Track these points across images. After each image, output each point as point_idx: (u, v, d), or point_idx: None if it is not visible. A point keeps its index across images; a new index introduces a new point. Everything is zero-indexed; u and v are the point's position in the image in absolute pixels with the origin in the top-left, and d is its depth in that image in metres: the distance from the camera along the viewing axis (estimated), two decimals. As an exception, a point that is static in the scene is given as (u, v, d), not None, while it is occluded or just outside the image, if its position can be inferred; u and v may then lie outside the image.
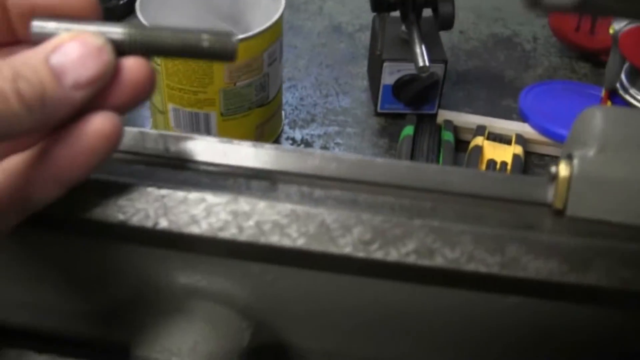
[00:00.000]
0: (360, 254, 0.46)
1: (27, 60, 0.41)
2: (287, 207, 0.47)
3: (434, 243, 0.47)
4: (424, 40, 1.04)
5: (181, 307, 0.51)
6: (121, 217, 0.47)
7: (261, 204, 0.47)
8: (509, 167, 1.05)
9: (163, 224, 0.47)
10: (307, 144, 1.12)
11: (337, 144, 1.13)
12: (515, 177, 0.52)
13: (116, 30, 0.44)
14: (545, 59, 1.33)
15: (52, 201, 0.45)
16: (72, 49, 0.42)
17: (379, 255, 0.46)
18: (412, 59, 1.07)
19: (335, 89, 1.23)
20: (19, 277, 0.54)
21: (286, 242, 0.47)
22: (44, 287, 0.54)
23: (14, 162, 0.45)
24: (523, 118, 1.16)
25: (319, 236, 0.47)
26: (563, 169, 0.48)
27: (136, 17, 1.00)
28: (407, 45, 1.11)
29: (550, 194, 0.49)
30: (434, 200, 0.49)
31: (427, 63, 1.01)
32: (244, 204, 0.47)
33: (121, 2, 1.35)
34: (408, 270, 0.47)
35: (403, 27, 1.12)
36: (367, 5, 1.34)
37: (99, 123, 0.43)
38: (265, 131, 1.08)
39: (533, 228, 0.48)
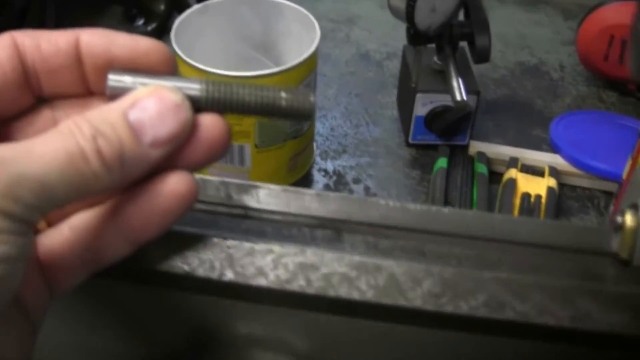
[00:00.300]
0: (430, 307, 0.46)
1: (106, 116, 0.40)
2: (354, 259, 0.46)
3: (504, 296, 0.46)
4: (460, 73, 1.03)
5: (242, 357, 0.50)
6: (186, 268, 0.47)
7: (328, 256, 0.47)
8: (543, 200, 1.04)
9: (229, 275, 0.46)
10: (340, 175, 1.11)
11: (370, 176, 1.11)
12: (578, 226, 0.51)
13: (193, 86, 0.43)
14: (573, 87, 1.32)
15: (122, 258, 0.44)
16: (151, 105, 0.41)
17: (449, 308, 0.46)
18: (446, 90, 1.05)
19: (365, 118, 1.22)
20: (78, 321, 0.53)
21: (355, 295, 0.46)
22: (102, 332, 0.53)
23: (83, 219, 0.44)
24: (554, 149, 1.15)
25: (389, 289, 0.46)
26: (629, 220, 0.47)
27: (165, 44, 0.98)
28: (440, 76, 1.10)
29: (615, 244, 0.48)
30: (500, 251, 0.49)
31: (464, 97, 1.00)
32: (311, 255, 0.46)
33: (149, 28, 1.32)
34: (478, 323, 0.46)
35: (435, 58, 1.10)
36: (394, 33, 1.35)
37: (174, 183, 0.42)
38: (299, 163, 1.07)
39: (600, 279, 0.48)
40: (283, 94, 0.44)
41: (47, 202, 0.38)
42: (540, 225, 0.51)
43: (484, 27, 1.06)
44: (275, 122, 0.99)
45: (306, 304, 0.47)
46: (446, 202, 1.04)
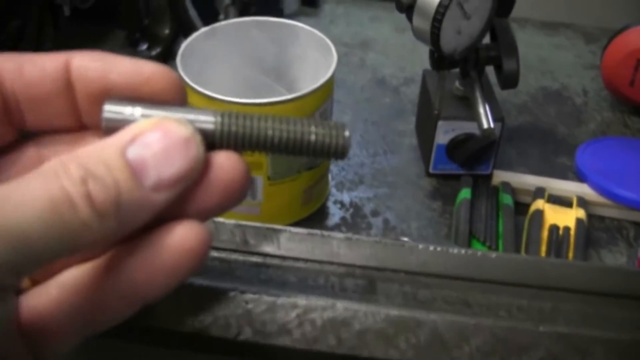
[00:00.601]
0: None
1: (99, 154, 0.34)
2: (391, 312, 0.41)
3: (563, 352, 0.41)
4: (487, 99, 0.98)
5: None
6: (198, 326, 0.41)
7: (361, 309, 0.41)
8: (572, 232, 0.99)
9: (247, 334, 0.41)
10: (357, 207, 1.06)
11: (389, 208, 1.06)
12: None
13: (206, 119, 0.37)
14: (597, 113, 1.27)
15: (122, 321, 0.38)
16: (154, 140, 0.35)
17: None
18: (469, 117, 1.01)
19: (382, 147, 1.17)
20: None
21: (394, 355, 0.40)
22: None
23: (74, 276, 0.37)
24: (581, 177, 1.10)
25: (432, 347, 0.41)
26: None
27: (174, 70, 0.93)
28: (462, 102, 1.05)
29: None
30: (555, 300, 0.43)
31: (492, 125, 0.95)
32: (341, 309, 0.41)
33: (153, 53, 1.27)
34: None
35: (457, 83, 1.05)
36: (411, 57, 1.30)
37: (182, 235, 0.36)
38: (313, 195, 1.01)
39: None
40: (313, 128, 0.38)
41: (28, 259, 0.32)
42: (599, 271, 0.45)
43: (512, 50, 1.01)
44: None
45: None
46: (471, 235, 0.98)
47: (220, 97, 0.87)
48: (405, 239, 1.01)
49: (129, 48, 1.29)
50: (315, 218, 1.05)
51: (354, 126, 1.22)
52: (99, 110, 0.37)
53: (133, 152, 0.34)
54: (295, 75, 1.06)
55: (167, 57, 1.28)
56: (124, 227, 0.34)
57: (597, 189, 1.08)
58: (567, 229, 1.00)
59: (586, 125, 1.26)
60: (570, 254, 0.96)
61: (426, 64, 1.04)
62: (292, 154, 0.38)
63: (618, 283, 0.45)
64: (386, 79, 1.35)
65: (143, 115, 0.36)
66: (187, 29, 1.19)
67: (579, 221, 1.01)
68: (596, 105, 1.31)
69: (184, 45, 0.96)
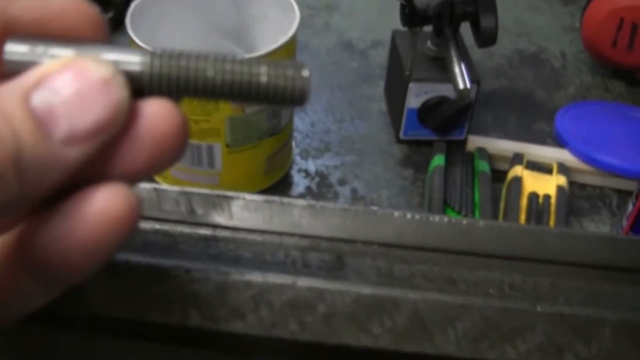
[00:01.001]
0: (467, 354, 0.35)
1: None
2: (363, 292, 0.35)
3: (562, 336, 0.36)
4: (462, 58, 0.92)
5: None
6: (135, 310, 0.35)
7: (328, 289, 0.35)
8: (552, 200, 0.94)
9: (194, 319, 0.35)
10: (323, 176, 1.00)
11: (357, 177, 1.01)
12: (653, 240, 0.40)
13: (131, 59, 0.30)
14: (577, 77, 1.23)
15: (40, 307, 0.31)
16: (65, 83, 0.28)
17: (491, 355, 0.36)
18: (443, 79, 0.95)
19: (349, 113, 1.11)
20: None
21: (366, 342, 0.35)
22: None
23: None
24: (561, 143, 1.06)
25: (411, 332, 0.35)
26: None
27: (125, 33, 0.86)
28: (435, 63, 1.00)
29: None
30: (554, 275, 0.38)
31: (468, 85, 0.89)
32: (304, 289, 0.35)
33: (108, 15, 1.21)
34: None
35: (429, 43, 1.00)
36: (379, 19, 1.25)
37: (105, 201, 0.29)
38: (276, 163, 0.96)
39: None
40: (264, 68, 0.31)
41: None
42: (600, 241, 0.40)
43: (490, 4, 0.96)
44: (249, 117, 0.87)
45: (299, 354, 0.36)
46: (445, 204, 0.93)
47: (174, 49, 0.80)
48: (375, 208, 0.95)
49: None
50: (278, 188, 1.00)
51: (320, 92, 1.17)
52: (1, 50, 0.30)
53: (38, 99, 0.28)
54: (255, 36, 1.00)
55: (121, 21, 1.22)
56: (29, 190, 0.27)
57: (578, 155, 1.04)
58: (547, 197, 0.95)
59: (565, 90, 1.22)
60: (552, 223, 0.92)
61: (395, 26, 0.99)
62: (239, 100, 0.31)
63: (623, 254, 0.40)
64: (353, 42, 1.29)
65: (53, 55, 0.30)
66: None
67: (559, 189, 0.96)
68: (575, 68, 1.27)
69: (134, 4, 0.90)
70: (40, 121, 0.27)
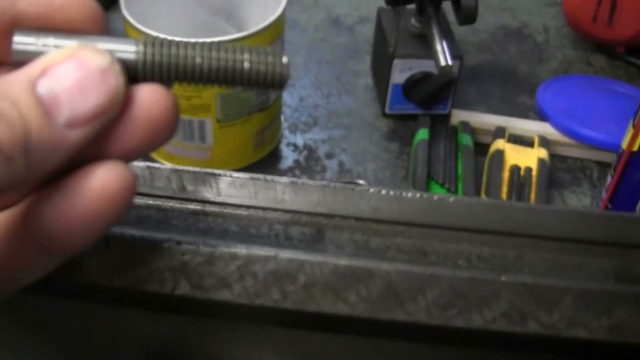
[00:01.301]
0: (436, 321, 0.37)
1: (5, 89, 0.30)
2: (340, 263, 0.38)
3: (525, 305, 0.38)
4: (444, 36, 0.94)
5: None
6: (130, 280, 0.37)
7: (308, 260, 0.38)
8: (534, 173, 0.96)
9: (184, 288, 0.37)
10: (311, 150, 1.02)
11: (344, 150, 1.02)
12: (611, 214, 0.42)
13: (126, 48, 0.33)
14: (559, 51, 1.24)
15: (44, 275, 0.34)
16: (67, 72, 0.31)
17: (459, 322, 0.38)
18: (426, 55, 0.97)
19: (337, 88, 1.13)
20: (3, 345, 0.44)
21: (343, 309, 0.37)
22: (36, 354, 0.44)
23: None
24: (542, 117, 1.07)
25: (384, 300, 0.38)
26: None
27: (118, 11, 0.88)
28: (418, 40, 1.01)
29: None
30: (518, 247, 0.40)
31: (449, 62, 0.91)
32: (286, 260, 0.37)
33: (100, -6, 1.22)
34: (495, 338, 0.38)
35: (413, 20, 1.02)
36: (366, -5, 1.26)
37: (102, 178, 0.32)
38: (265, 138, 0.98)
39: None
40: (246, 55, 0.34)
41: None
42: (567, 215, 0.42)
43: (470, -17, 0.97)
44: (239, 94, 0.89)
45: (281, 321, 0.39)
46: (429, 177, 0.95)
47: (166, 38, 0.82)
48: (361, 181, 0.97)
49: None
50: (268, 161, 1.01)
51: (308, 67, 1.18)
52: (8, 42, 0.33)
53: (43, 86, 0.30)
54: (245, 15, 1.02)
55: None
56: (35, 170, 0.30)
57: (559, 128, 1.06)
58: (528, 169, 0.97)
59: (547, 64, 1.23)
60: (533, 196, 0.94)
61: (381, 2, 1.01)
62: (225, 84, 0.34)
63: (587, 228, 0.42)
64: (340, 18, 1.31)
65: (56, 46, 0.32)
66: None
67: (541, 161, 0.98)
68: (558, 43, 1.28)
69: (128, -17, 0.92)
70: (46, 107, 0.30)
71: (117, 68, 0.32)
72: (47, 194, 0.32)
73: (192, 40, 0.34)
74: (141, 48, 0.33)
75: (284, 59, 0.34)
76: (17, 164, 0.29)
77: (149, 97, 0.32)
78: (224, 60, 0.34)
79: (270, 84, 0.35)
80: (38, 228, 0.32)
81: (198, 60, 0.33)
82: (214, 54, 0.33)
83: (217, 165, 0.96)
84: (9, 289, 0.34)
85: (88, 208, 0.32)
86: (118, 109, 0.32)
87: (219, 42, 0.34)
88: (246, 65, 0.34)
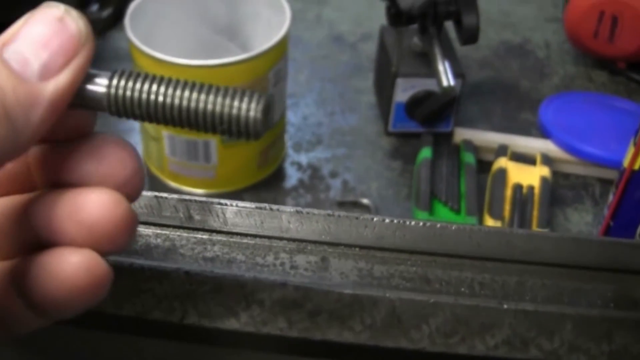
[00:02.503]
0: (440, 349, 0.38)
1: None
2: (345, 292, 0.38)
3: (527, 331, 0.38)
4: (446, 55, 0.95)
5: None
6: (139, 309, 0.38)
7: (314, 289, 0.38)
8: (536, 191, 0.97)
9: (192, 317, 0.38)
10: (315, 169, 1.03)
11: (347, 169, 1.03)
12: (613, 240, 0.43)
13: (99, 80, 0.33)
14: (561, 67, 1.25)
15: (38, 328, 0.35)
16: (27, 31, 0.32)
17: (462, 349, 0.38)
18: (428, 74, 0.98)
19: (340, 105, 1.14)
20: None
21: (348, 338, 0.38)
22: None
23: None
24: (545, 134, 1.08)
25: (388, 328, 0.38)
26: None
27: (122, 30, 0.89)
28: (421, 58, 1.02)
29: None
30: (521, 274, 0.41)
31: (452, 82, 0.92)
32: (291, 289, 0.38)
33: (104, 14, 1.23)
34: None
35: (416, 39, 1.02)
36: (369, 12, 1.27)
37: (73, 268, 0.33)
38: (269, 157, 0.98)
39: None
40: (218, 99, 0.31)
41: None
42: (566, 241, 0.43)
43: (472, 4, 0.98)
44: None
45: (288, 349, 0.39)
46: (432, 196, 0.96)
47: (170, 59, 0.83)
48: (365, 201, 0.98)
49: (80, 9, 1.24)
50: (272, 180, 1.02)
51: (311, 85, 1.19)
52: None
53: (8, 51, 0.31)
54: (248, 34, 1.02)
55: (119, 18, 1.24)
56: (21, 130, 0.31)
57: (561, 145, 1.06)
58: (531, 187, 0.98)
59: (549, 80, 1.23)
60: (535, 213, 0.94)
61: (384, 19, 1.01)
62: (192, 128, 0.32)
63: (586, 254, 0.43)
64: (343, 35, 1.31)
65: None
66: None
67: (543, 179, 0.99)
68: (559, 58, 1.28)
69: (133, 4, 0.93)
70: (14, 67, 0.31)
71: (74, 14, 0.33)
72: (30, 263, 0.33)
73: (174, 78, 0.33)
74: (113, 82, 0.33)
75: (260, 106, 0.31)
76: (3, 128, 0.30)
77: (97, 201, 0.33)
78: (186, 100, 0.32)
79: (243, 133, 0.32)
80: (26, 290, 0.33)
81: (160, 98, 0.32)
82: (177, 92, 0.32)
83: (222, 184, 0.97)
84: (2, 337, 0.35)
85: (60, 288, 0.33)
86: (87, 52, 0.33)
87: (195, 82, 0.32)
88: (214, 108, 0.31)
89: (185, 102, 0.31)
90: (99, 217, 0.32)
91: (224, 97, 0.31)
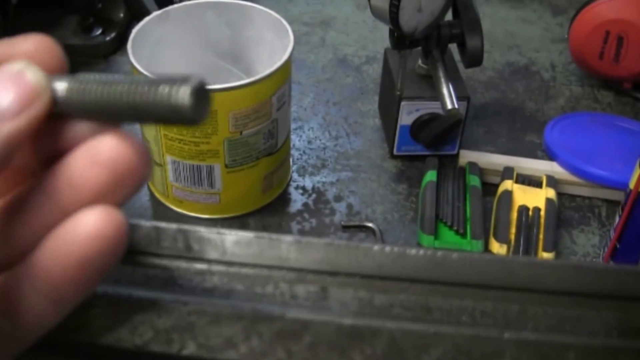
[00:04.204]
0: None
1: None
2: (345, 322, 0.38)
3: None
4: (450, 78, 0.94)
5: None
6: (137, 342, 0.38)
7: (313, 320, 0.38)
8: (542, 213, 0.96)
9: (190, 349, 0.37)
10: (319, 193, 1.02)
11: (352, 192, 1.03)
12: (616, 267, 0.42)
13: (59, 84, 0.35)
14: (566, 88, 1.25)
15: (52, 326, 0.36)
16: None
17: None
18: (433, 97, 0.98)
19: (345, 129, 1.14)
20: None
21: (348, 369, 0.37)
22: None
23: None
24: (550, 156, 1.08)
25: (389, 359, 0.37)
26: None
27: (125, 54, 0.89)
28: (426, 81, 1.02)
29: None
30: (522, 302, 0.40)
31: (456, 105, 0.92)
32: (291, 320, 0.38)
33: (107, 38, 1.23)
34: None
35: (420, 62, 1.02)
36: (373, 35, 1.27)
37: (90, 220, 0.34)
38: (274, 181, 0.98)
39: None
40: (145, 88, 0.32)
41: None
42: (567, 268, 0.42)
43: (475, 27, 0.97)
44: (247, 138, 0.90)
45: (287, 380, 0.39)
46: (437, 219, 0.95)
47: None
48: (370, 224, 0.98)
49: (82, 34, 1.25)
50: (276, 205, 1.02)
51: (316, 108, 1.19)
52: None
53: None
54: (252, 58, 1.02)
55: (122, 41, 1.24)
56: None
57: (566, 167, 1.06)
58: (537, 209, 0.97)
59: (555, 101, 1.23)
60: (541, 236, 0.94)
61: (388, 42, 1.01)
62: (129, 119, 0.34)
63: (588, 281, 0.42)
64: (348, 58, 1.31)
65: None
66: (140, 13, 1.15)
67: (549, 201, 0.99)
68: (565, 79, 1.28)
69: (136, 29, 0.93)
70: None
71: (34, 68, 0.34)
72: (44, 239, 0.34)
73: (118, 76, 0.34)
74: (65, 85, 0.34)
75: (187, 89, 0.31)
76: None
77: (111, 142, 0.34)
78: (119, 94, 0.33)
79: (175, 118, 0.32)
80: (36, 271, 0.34)
81: (101, 95, 0.34)
82: (112, 88, 0.33)
83: (227, 210, 0.97)
84: (19, 338, 0.35)
85: (78, 248, 0.33)
86: (44, 100, 0.34)
87: (134, 78, 0.33)
88: (147, 97, 0.32)
89: (118, 97, 0.33)
90: (118, 151, 0.34)
91: (150, 85, 0.32)
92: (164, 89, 0.31)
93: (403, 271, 0.41)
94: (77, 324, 0.38)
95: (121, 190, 0.34)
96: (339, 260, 0.41)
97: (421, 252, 0.41)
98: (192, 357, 0.38)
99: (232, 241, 0.41)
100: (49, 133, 0.35)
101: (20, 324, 0.35)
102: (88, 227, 0.33)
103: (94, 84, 0.34)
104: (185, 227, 0.42)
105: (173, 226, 0.42)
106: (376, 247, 0.41)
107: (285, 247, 0.41)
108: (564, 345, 0.38)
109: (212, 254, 0.41)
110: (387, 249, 0.41)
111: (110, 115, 0.34)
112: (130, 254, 0.41)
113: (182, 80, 0.32)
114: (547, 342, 0.38)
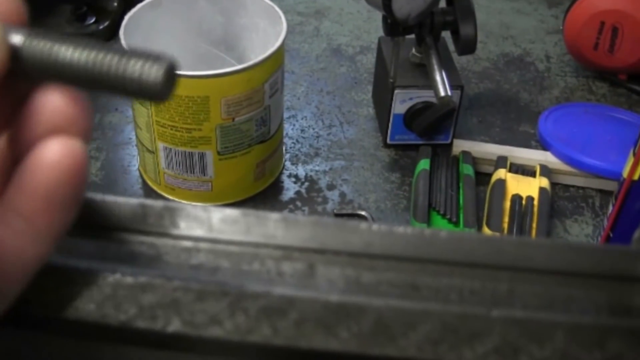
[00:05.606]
0: (428, 357, 0.37)
1: None
2: (332, 299, 0.37)
3: (517, 339, 0.38)
4: (443, 67, 0.94)
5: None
6: (122, 317, 0.37)
7: (299, 296, 0.37)
8: (535, 202, 0.96)
9: (175, 325, 0.37)
10: (312, 181, 1.02)
11: (345, 181, 1.02)
12: (605, 247, 0.42)
13: (14, 37, 0.34)
14: (561, 79, 1.24)
15: (34, 266, 0.36)
16: None
17: (451, 357, 0.37)
18: (427, 85, 0.97)
19: (338, 118, 1.13)
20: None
21: (334, 345, 0.37)
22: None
23: None
24: (544, 145, 1.07)
25: (375, 336, 0.37)
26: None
27: (119, 42, 0.89)
28: (419, 69, 1.01)
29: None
30: (510, 281, 0.40)
31: (449, 93, 0.91)
32: (277, 297, 0.37)
33: (101, 27, 1.23)
34: None
35: (414, 50, 1.02)
36: (367, 25, 1.27)
37: (49, 151, 0.34)
38: (266, 169, 0.98)
39: (635, 312, 0.40)
40: (115, 59, 0.32)
41: None
42: (557, 248, 0.42)
43: (469, 14, 0.97)
44: (239, 125, 0.89)
45: (273, 357, 0.38)
46: (430, 207, 0.95)
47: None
48: (363, 212, 0.97)
49: (76, 23, 1.25)
50: (269, 193, 1.02)
51: (309, 97, 1.18)
52: None
53: None
54: (245, 45, 1.02)
55: (115, 30, 1.24)
56: None
57: (560, 157, 1.05)
58: (530, 199, 0.97)
59: (549, 92, 1.23)
60: (534, 225, 0.94)
61: (382, 31, 1.00)
62: (93, 88, 0.33)
63: (578, 260, 0.42)
64: (342, 47, 1.31)
65: None
66: (133, 2, 1.15)
67: (542, 190, 0.98)
68: (559, 70, 1.28)
69: (128, 16, 0.93)
70: None
71: None
72: (13, 174, 0.34)
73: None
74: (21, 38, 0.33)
75: (161, 67, 0.31)
76: None
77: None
78: (96, 62, 0.32)
79: (144, 93, 0.32)
80: (10, 203, 0.34)
81: (62, 57, 0.33)
82: (84, 54, 0.32)
83: (219, 197, 0.96)
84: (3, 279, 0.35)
85: (45, 181, 0.34)
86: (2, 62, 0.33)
87: (99, 45, 0.33)
88: (118, 70, 0.32)
89: (84, 64, 0.32)
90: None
91: (121, 58, 0.32)
92: (135, 64, 0.32)
93: (391, 249, 0.41)
94: (61, 301, 0.37)
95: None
96: (326, 238, 0.41)
97: (409, 230, 0.41)
98: (177, 333, 0.38)
99: (219, 218, 0.41)
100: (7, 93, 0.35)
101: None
102: (48, 155, 0.33)
103: (60, 46, 0.33)
104: (172, 204, 0.41)
105: (159, 203, 0.41)
106: (364, 225, 0.41)
107: (272, 225, 0.41)
108: (553, 323, 0.38)
109: (198, 231, 0.41)
110: (375, 227, 0.41)
111: (72, 81, 0.33)
112: (116, 231, 0.40)
113: (155, 58, 0.32)
114: (536, 320, 0.38)
